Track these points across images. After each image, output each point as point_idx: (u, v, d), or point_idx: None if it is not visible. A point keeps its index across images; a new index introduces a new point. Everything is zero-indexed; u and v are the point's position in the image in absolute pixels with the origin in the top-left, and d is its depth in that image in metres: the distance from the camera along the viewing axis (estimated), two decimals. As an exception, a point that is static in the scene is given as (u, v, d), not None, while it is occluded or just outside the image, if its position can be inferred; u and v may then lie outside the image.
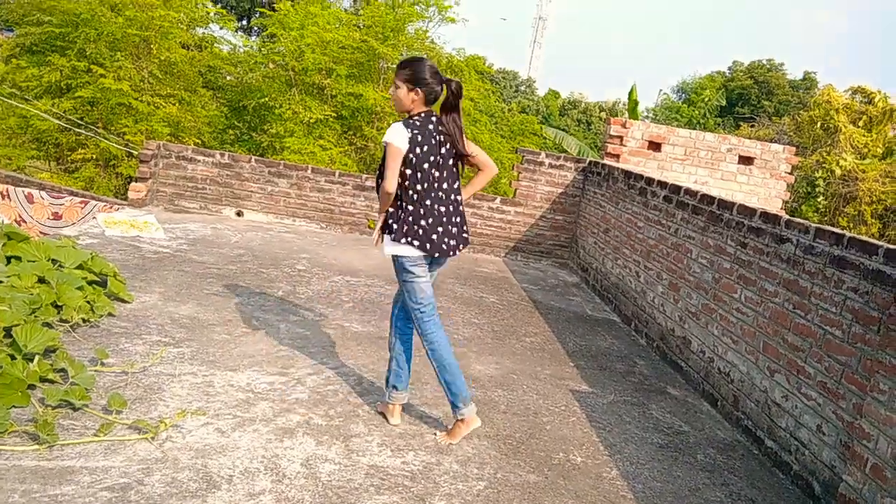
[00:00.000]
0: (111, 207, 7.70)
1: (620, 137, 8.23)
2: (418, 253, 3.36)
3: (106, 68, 12.63)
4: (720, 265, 4.77)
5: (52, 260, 4.52)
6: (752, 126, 22.75)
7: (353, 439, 3.32)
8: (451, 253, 3.44)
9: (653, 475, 3.44)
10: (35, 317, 3.71)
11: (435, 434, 3.50)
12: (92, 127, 13.05)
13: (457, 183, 3.50)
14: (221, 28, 17.73)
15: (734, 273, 4.57)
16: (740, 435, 4.15)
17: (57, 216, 7.78)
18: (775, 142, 17.37)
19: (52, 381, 3.24)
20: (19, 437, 2.79)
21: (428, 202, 3.36)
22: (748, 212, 4.52)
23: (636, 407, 4.31)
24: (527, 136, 21.55)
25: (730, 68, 47.03)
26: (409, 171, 3.33)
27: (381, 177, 3.38)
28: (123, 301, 4.65)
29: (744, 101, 42.88)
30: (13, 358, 3.22)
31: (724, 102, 28.07)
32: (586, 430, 3.85)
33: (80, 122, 12.91)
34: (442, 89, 3.40)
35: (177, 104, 13.63)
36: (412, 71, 3.35)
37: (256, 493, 2.73)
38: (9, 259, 4.40)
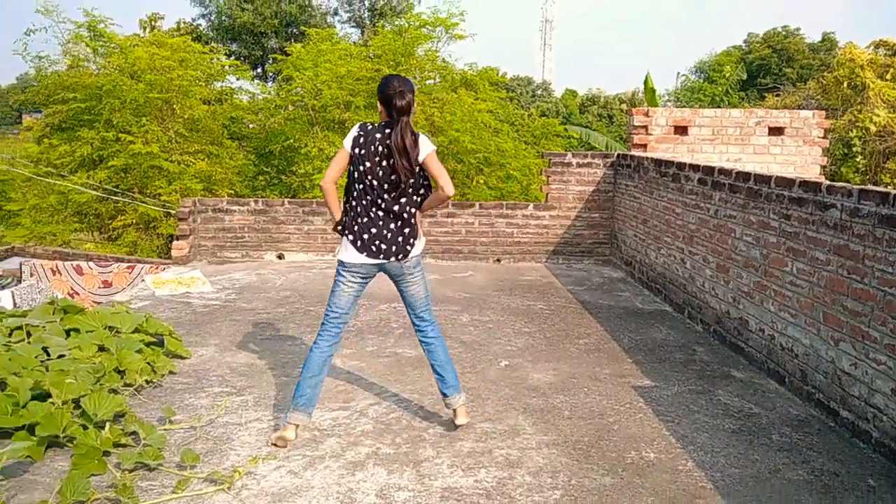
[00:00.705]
0: (157, 268, 7.90)
1: (645, 127, 8.17)
2: (351, 254, 3.55)
3: (133, 134, 13.00)
4: (766, 240, 4.68)
5: (109, 327, 4.64)
6: (778, 95, 22.35)
7: (423, 464, 3.33)
8: (382, 257, 3.54)
9: (730, 462, 3.37)
10: (100, 385, 3.82)
11: (501, 451, 3.49)
12: (128, 193, 13.42)
13: (403, 196, 3.53)
14: (238, 79, 18.14)
15: (782, 246, 4.48)
16: (813, 409, 4.05)
17: (107, 284, 8.00)
18: (803, 108, 17.04)
19: (125, 445, 3.32)
20: None
21: (364, 203, 3.53)
22: (787, 183, 4.44)
23: (702, 395, 4.24)
24: (550, 138, 21.50)
25: (745, 41, 46.36)
26: (351, 170, 3.56)
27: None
28: (182, 357, 4.75)
29: (765, 71, 42.19)
30: (85, 427, 3.32)
31: (744, 76, 27.64)
32: (655, 425, 3.80)
33: (116, 190, 13.29)
34: (396, 98, 3.45)
35: (206, 159, 13.94)
36: (379, 90, 3.55)
37: (337, 530, 2.75)
38: (68, 332, 4.54)
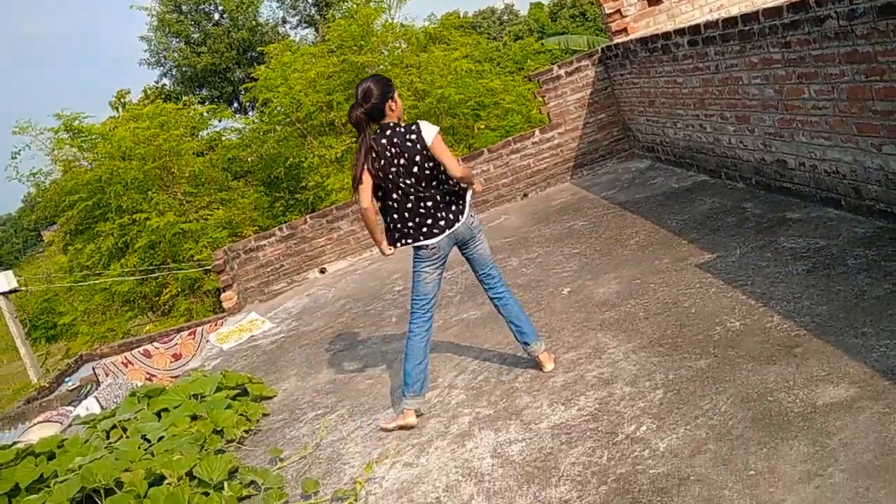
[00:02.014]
0: (216, 324, 8.07)
1: (618, 11, 7.93)
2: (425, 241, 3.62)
3: (146, 210, 13.23)
4: (775, 76, 4.54)
5: (194, 395, 4.78)
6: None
7: (524, 412, 3.37)
8: (450, 229, 3.60)
9: (814, 301, 3.33)
10: (206, 451, 3.95)
11: (592, 373, 3.51)
12: (163, 266, 13.70)
13: (433, 178, 3.57)
14: (220, 120, 18.25)
15: (792, 76, 4.34)
16: (878, 220, 3.95)
17: (177, 357, 8.22)
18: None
19: (248, 497, 3.44)
20: (248, 555, 2.99)
21: (408, 206, 3.62)
22: (775, 12, 4.29)
23: (766, 248, 4.18)
24: (533, 58, 21.13)
25: None
26: (377, 185, 3.61)
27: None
28: (269, 397, 4.88)
29: None
30: (206, 494, 3.44)
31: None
32: (730, 294, 3.76)
33: (150, 268, 13.58)
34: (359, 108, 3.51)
35: (220, 207, 14.13)
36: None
37: (467, 501, 2.82)
38: (159, 415, 4.69)
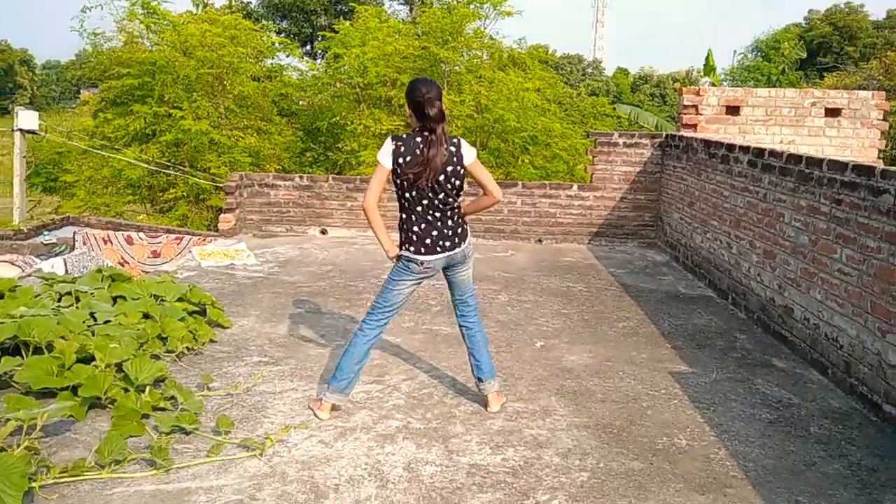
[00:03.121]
0: (204, 240, 8.07)
1: (695, 106, 7.97)
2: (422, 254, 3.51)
3: (184, 110, 13.25)
4: (815, 226, 4.54)
5: (155, 296, 4.77)
6: (838, 75, 21.54)
7: (452, 440, 3.34)
8: (449, 251, 3.53)
9: (764, 452, 3.30)
10: (143, 350, 3.93)
11: (531, 430, 3.49)
12: (179, 167, 13.72)
13: (452, 195, 3.49)
14: (288, 56, 18.31)
15: (831, 233, 4.34)
16: (855, 402, 3.93)
17: (156, 254, 8.22)
18: (864, 88, 16.37)
19: (163, 409, 3.42)
20: (138, 464, 2.96)
21: (419, 209, 3.50)
22: (839, 166, 4.29)
23: (741, 383, 4.16)
24: (599, 118, 21.21)
25: (806, 19, 44.74)
26: (398, 182, 3.49)
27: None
28: (223, 327, 4.86)
29: (825, 49, 40.70)
30: (126, 391, 3.43)
31: (804, 54, 26.69)
32: (689, 411, 3.74)
33: (167, 163, 13.59)
34: (427, 106, 3.40)
35: (255, 134, 14.16)
36: (406, 95, 3.52)
37: (363, 500, 2.79)
38: (115, 299, 4.68)
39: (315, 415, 3.55)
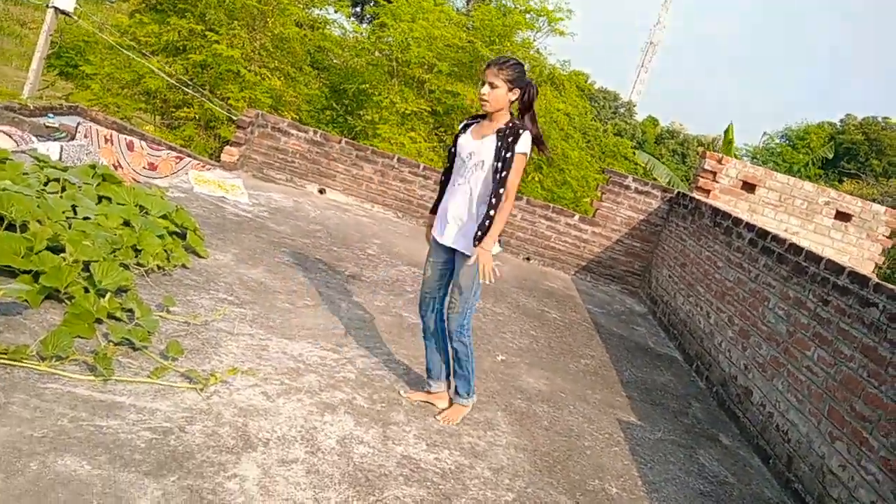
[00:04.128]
0: (203, 166, 8.00)
1: (714, 173, 7.99)
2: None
3: (220, 35, 13.13)
4: (797, 319, 4.56)
5: (140, 206, 4.72)
6: (857, 183, 21.71)
7: (391, 426, 3.33)
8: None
9: (688, 520, 3.31)
10: (114, 256, 3.89)
11: (471, 438, 3.48)
12: (199, 88, 13.59)
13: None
14: (336, 11, 18.17)
15: (810, 329, 4.36)
16: (788, 498, 3.95)
17: (152, 166, 8.13)
18: (878, 202, 16.51)
19: (118, 319, 3.37)
20: (78, 365, 2.93)
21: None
22: (836, 268, 4.31)
23: (683, 449, 4.17)
24: (618, 159, 21.22)
25: (841, 121, 45.00)
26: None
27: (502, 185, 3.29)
28: (199, 256, 4.81)
29: (851, 156, 40.97)
30: (87, 291, 3.38)
31: (831, 154, 26.88)
32: (627, 462, 3.75)
33: (189, 82, 13.47)
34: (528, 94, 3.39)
35: (282, 78, 14.06)
36: (519, 73, 3.32)
37: (289, 461, 2.77)
38: (100, 199, 4.62)
39: (444, 421, 3.54)
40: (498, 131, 3.32)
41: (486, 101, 3.32)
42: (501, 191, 3.27)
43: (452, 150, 3.53)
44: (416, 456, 3.13)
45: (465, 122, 3.56)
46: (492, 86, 3.30)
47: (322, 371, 3.69)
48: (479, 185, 3.37)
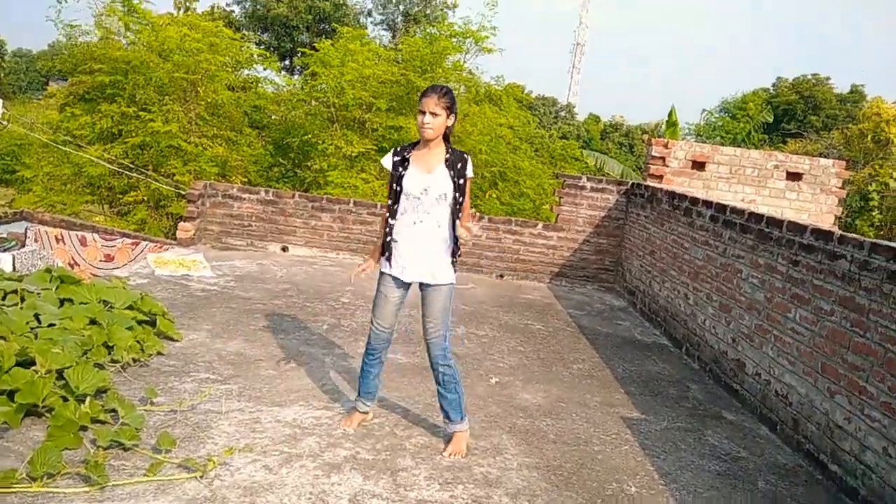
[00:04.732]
0: (161, 247, 7.89)
1: (663, 158, 8.12)
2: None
3: (154, 112, 13.04)
4: (772, 284, 4.62)
5: (104, 301, 4.62)
6: (800, 141, 22.26)
7: (401, 473, 3.28)
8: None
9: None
10: (87, 358, 3.79)
11: (482, 468, 3.44)
12: (142, 170, 13.46)
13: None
14: (265, 69, 18.21)
15: (787, 292, 4.42)
16: (802, 459, 3.97)
17: (109, 258, 8.00)
18: (824, 157, 16.94)
19: (103, 422, 3.28)
20: (72, 478, 2.83)
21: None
22: (799, 228, 4.39)
23: (691, 433, 4.18)
24: (568, 161, 21.49)
25: (774, 85, 46.22)
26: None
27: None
28: (173, 339, 4.72)
29: (790, 116, 42.04)
30: (65, 399, 3.29)
31: (770, 118, 27.55)
32: (640, 458, 3.74)
33: (131, 165, 13.33)
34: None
35: (224, 144, 13.97)
36: (454, 99, 3.44)
37: (304, 531, 2.71)
38: (62, 301, 4.52)
39: (452, 456, 3.51)
40: (446, 161, 3.46)
41: (430, 129, 3.39)
42: (460, 216, 3.48)
43: (397, 187, 3.50)
44: (430, 498, 3.08)
45: (394, 156, 3.55)
46: (433, 114, 3.37)
47: (319, 431, 3.62)
48: (445, 217, 3.47)
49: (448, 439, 3.62)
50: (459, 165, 3.45)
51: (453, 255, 3.53)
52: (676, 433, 4.15)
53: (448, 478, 3.29)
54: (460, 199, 3.46)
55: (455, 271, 3.57)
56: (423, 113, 3.39)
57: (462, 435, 3.59)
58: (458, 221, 3.47)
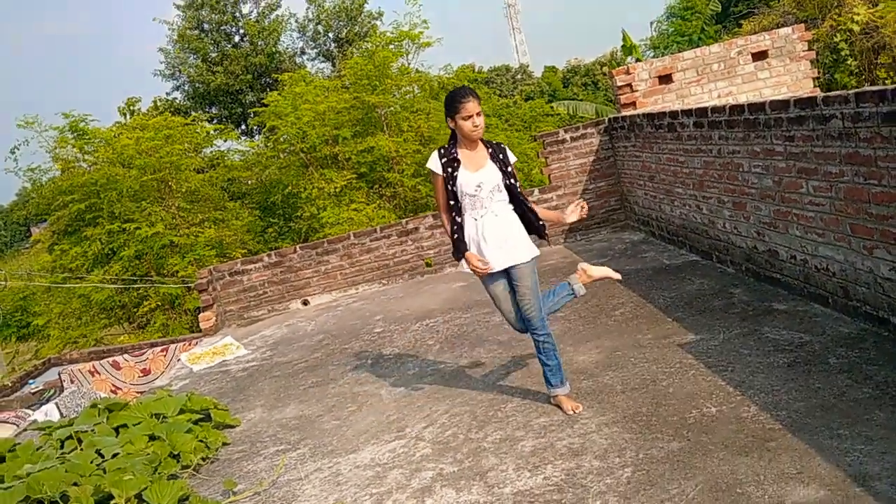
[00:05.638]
0: (190, 344, 7.95)
1: (629, 85, 8.08)
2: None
3: (137, 220, 13.16)
4: (775, 167, 4.59)
5: (156, 415, 4.66)
6: (754, 19, 22.05)
7: (489, 473, 3.29)
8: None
9: (792, 397, 3.29)
10: (159, 474, 3.83)
11: (563, 441, 3.44)
12: (146, 278, 13.58)
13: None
14: (225, 141, 18.32)
15: (793, 169, 4.39)
16: (863, 323, 3.95)
17: (146, 372, 8.07)
18: (782, 26, 16.78)
19: (195, 527, 3.32)
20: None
21: None
22: (782, 105, 4.36)
23: (749, 336, 4.16)
24: (541, 119, 21.44)
25: (710, -27, 45.75)
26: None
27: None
28: (232, 426, 4.76)
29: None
30: (153, 519, 3.32)
31: (718, 8, 27.29)
32: (709, 378, 3.73)
33: (133, 278, 13.45)
34: None
35: (212, 226, 14.07)
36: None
37: (418, 561, 2.72)
38: (117, 430, 4.56)
39: (572, 412, 3.68)
40: (490, 155, 3.75)
41: (481, 129, 3.67)
42: (521, 194, 3.79)
43: (452, 187, 3.70)
44: (525, 487, 3.09)
45: (441, 158, 3.74)
46: (480, 114, 3.66)
47: (399, 462, 3.64)
48: (504, 205, 3.74)
49: (558, 406, 3.80)
50: (502, 156, 3.76)
51: (530, 231, 3.80)
52: (736, 341, 4.14)
53: (535, 462, 3.29)
54: (514, 182, 3.73)
55: (538, 245, 3.85)
56: (471, 117, 3.61)
57: (566, 397, 3.79)
58: (523, 200, 3.77)
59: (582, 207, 3.87)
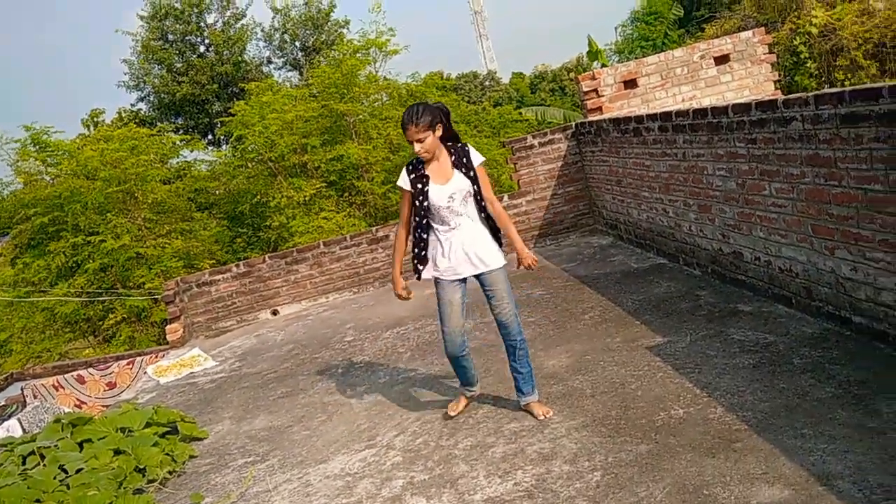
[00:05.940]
0: (157, 356, 7.82)
1: (595, 90, 8.15)
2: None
3: (102, 233, 12.93)
4: (739, 170, 4.66)
5: (121, 429, 4.57)
6: (716, 24, 22.42)
7: (460, 481, 3.27)
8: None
9: (757, 397, 3.33)
10: (124, 489, 3.75)
11: (533, 447, 3.44)
12: (111, 290, 13.34)
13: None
14: (192, 151, 18.10)
15: (755, 171, 4.46)
16: (826, 323, 4.01)
17: (111, 385, 7.92)
18: (743, 30, 17.09)
19: (161, 543, 3.25)
20: None
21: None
22: (743, 108, 4.42)
23: (715, 338, 4.21)
24: (509, 125, 21.54)
25: (673, -20, 46.44)
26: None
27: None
28: (199, 439, 4.69)
29: (698, 3, 42.35)
30: (117, 536, 3.25)
31: (680, 13, 27.72)
32: (676, 380, 3.76)
33: (99, 291, 13.20)
34: None
35: (179, 237, 13.87)
36: (428, 113, 3.58)
37: (389, 572, 2.70)
38: (81, 445, 4.46)
39: (542, 416, 3.68)
40: (453, 164, 3.69)
41: (425, 152, 3.60)
42: (484, 204, 3.75)
43: (425, 202, 3.67)
44: (495, 493, 3.08)
45: (409, 174, 3.70)
46: (419, 141, 3.56)
47: (370, 471, 3.61)
48: (475, 209, 3.74)
49: (529, 412, 3.80)
50: (465, 160, 3.69)
51: (497, 240, 3.80)
52: (702, 343, 4.18)
53: (506, 468, 3.29)
54: (476, 187, 3.70)
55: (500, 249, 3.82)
56: (411, 143, 3.58)
57: (537, 403, 3.79)
58: (486, 206, 3.74)
59: (529, 267, 3.89)
